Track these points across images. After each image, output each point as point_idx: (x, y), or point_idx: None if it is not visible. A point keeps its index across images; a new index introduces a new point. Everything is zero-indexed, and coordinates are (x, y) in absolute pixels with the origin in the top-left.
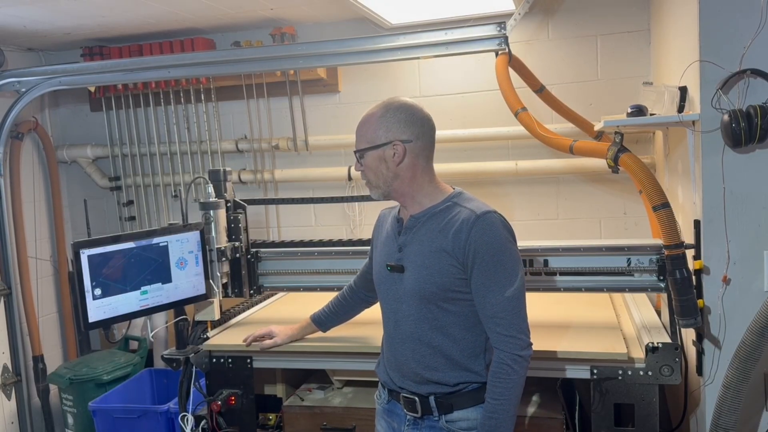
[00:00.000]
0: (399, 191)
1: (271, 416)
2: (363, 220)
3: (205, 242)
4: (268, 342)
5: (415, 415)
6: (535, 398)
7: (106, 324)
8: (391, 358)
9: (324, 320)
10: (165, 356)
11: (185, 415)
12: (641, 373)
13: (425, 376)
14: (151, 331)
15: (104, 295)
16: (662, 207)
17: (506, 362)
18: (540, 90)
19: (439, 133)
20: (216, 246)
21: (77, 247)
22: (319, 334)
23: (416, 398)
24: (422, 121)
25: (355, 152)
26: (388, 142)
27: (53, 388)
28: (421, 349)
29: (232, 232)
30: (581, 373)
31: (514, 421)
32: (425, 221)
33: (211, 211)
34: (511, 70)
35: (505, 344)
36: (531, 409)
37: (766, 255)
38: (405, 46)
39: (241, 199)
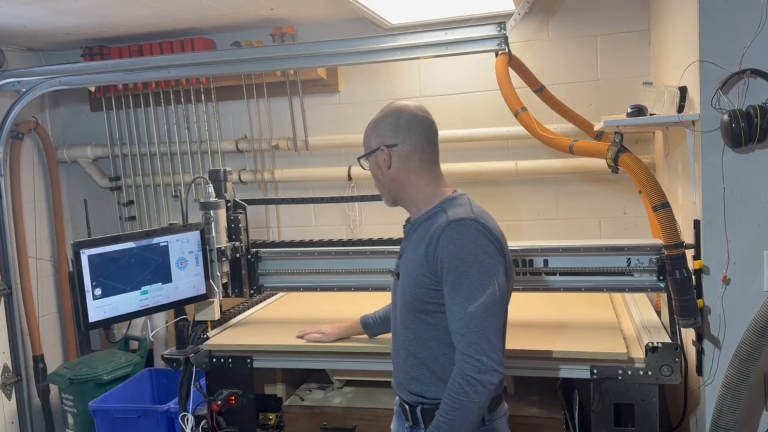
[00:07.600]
0: (400, 196)
1: (271, 416)
2: (363, 220)
3: (205, 242)
4: (315, 335)
5: (408, 423)
6: (535, 398)
7: (107, 324)
8: (393, 364)
9: (372, 325)
10: (165, 356)
11: (185, 415)
12: (641, 373)
13: (411, 386)
14: (151, 331)
15: (104, 295)
16: (662, 207)
17: (458, 381)
18: (540, 90)
19: (440, 133)
20: (216, 246)
21: (77, 247)
22: None
23: (407, 407)
24: (409, 124)
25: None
26: (377, 148)
27: (53, 388)
28: (409, 359)
29: (232, 232)
30: (581, 373)
31: None
32: (416, 228)
33: (211, 211)
34: (511, 70)
35: (461, 363)
36: (531, 409)
37: (766, 255)
38: (405, 46)
39: (241, 199)
